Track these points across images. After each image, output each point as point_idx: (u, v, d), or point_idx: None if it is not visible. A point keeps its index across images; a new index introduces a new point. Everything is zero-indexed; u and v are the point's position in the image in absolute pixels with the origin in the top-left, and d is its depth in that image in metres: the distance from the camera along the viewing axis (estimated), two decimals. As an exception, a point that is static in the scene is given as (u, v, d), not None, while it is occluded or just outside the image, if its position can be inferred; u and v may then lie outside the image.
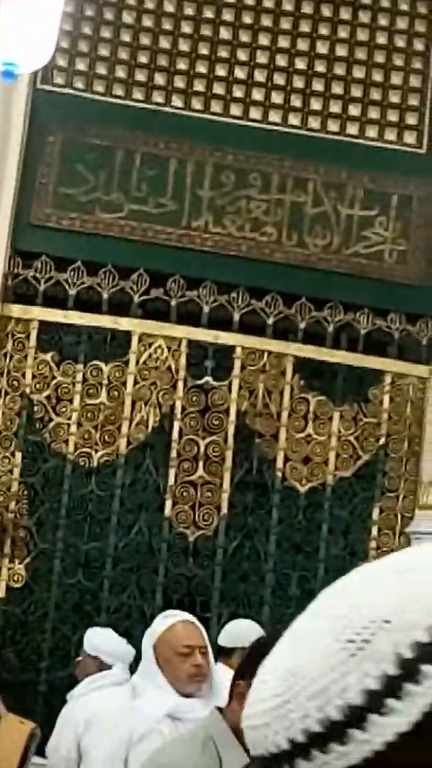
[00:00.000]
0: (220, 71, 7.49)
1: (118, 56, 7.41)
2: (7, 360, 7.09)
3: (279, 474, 7.18)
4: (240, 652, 5.03)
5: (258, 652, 2.73)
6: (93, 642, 5.57)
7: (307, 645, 0.81)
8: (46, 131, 7.17)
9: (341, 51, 7.60)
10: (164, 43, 7.46)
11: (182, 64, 7.47)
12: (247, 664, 2.74)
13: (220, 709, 2.78)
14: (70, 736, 5.09)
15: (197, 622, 4.24)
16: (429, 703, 0.74)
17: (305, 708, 0.77)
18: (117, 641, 5.67)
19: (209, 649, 4.18)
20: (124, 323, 7.17)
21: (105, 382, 7.12)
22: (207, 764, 2.61)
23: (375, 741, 0.75)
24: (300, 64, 7.56)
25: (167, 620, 4.18)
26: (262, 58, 7.53)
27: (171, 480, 7.09)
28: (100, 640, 5.59)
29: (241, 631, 5.63)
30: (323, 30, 7.59)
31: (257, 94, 7.51)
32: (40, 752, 5.23)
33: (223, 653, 5.48)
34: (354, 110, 7.58)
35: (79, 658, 5.67)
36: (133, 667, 5.35)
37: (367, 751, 0.75)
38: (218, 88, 7.48)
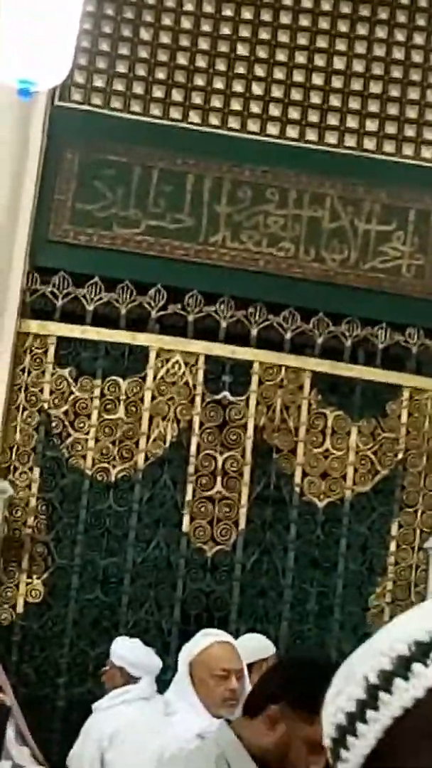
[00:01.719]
0: (237, 87, 7.51)
1: (135, 72, 7.44)
2: (25, 375, 7.10)
3: (297, 489, 7.17)
4: (257, 666, 5.00)
5: (310, 681, 2.67)
6: (119, 652, 5.56)
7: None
8: (63, 148, 7.20)
9: (358, 66, 7.61)
10: (181, 59, 7.48)
11: (199, 80, 7.49)
12: (290, 689, 2.65)
13: (228, 721, 2.74)
14: (93, 749, 5.07)
15: (234, 644, 4.17)
16: (381, 729, 0.80)
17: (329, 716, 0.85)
18: (144, 652, 5.65)
19: (245, 673, 4.13)
20: (141, 338, 7.18)
21: (123, 397, 7.13)
22: None
23: (352, 762, 0.82)
24: (317, 79, 7.57)
25: (206, 639, 4.10)
26: (278, 74, 7.54)
27: (189, 495, 7.09)
28: (126, 650, 5.57)
29: (259, 646, 5.61)
30: (340, 46, 7.60)
31: (274, 110, 7.52)
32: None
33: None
34: (371, 125, 7.59)
35: (106, 668, 5.67)
36: (159, 680, 5.37)
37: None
38: (235, 104, 7.50)
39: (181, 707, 3.99)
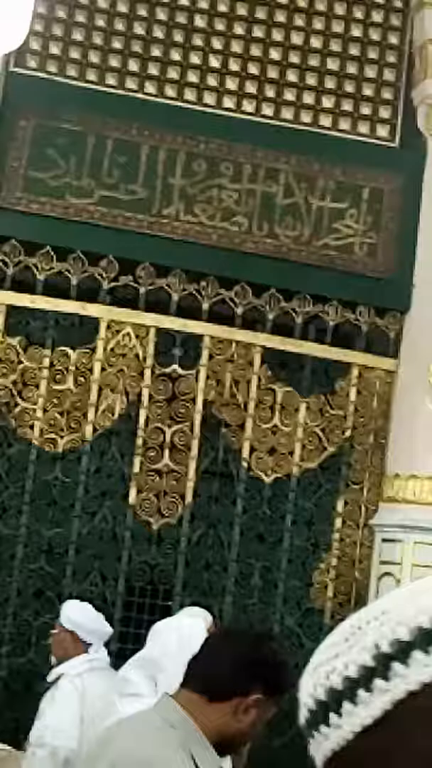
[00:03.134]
0: (194, 59, 7.47)
1: (92, 41, 7.37)
2: (-26, 344, 7.04)
3: (244, 464, 7.18)
4: None
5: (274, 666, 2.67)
6: (72, 616, 5.47)
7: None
8: (17, 115, 7.13)
9: (316, 42, 7.59)
10: (138, 29, 7.43)
11: (156, 51, 7.44)
12: (265, 682, 2.64)
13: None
14: (98, 710, 4.69)
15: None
16: (390, 700, 0.77)
17: (317, 676, 0.82)
18: (96, 616, 5.60)
19: None
20: (92, 309, 7.14)
21: (72, 368, 7.09)
22: (183, 760, 2.52)
23: (345, 729, 0.78)
24: (275, 54, 7.55)
25: (201, 622, 4.02)
26: (236, 47, 7.51)
27: (136, 468, 7.08)
28: (79, 614, 5.50)
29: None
30: (298, 21, 7.58)
31: (231, 84, 7.49)
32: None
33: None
34: (327, 102, 7.58)
35: (55, 631, 5.56)
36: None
37: (337, 738, 0.78)
38: (192, 76, 7.46)
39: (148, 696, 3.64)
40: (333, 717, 0.79)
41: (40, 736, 5.11)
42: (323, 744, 0.80)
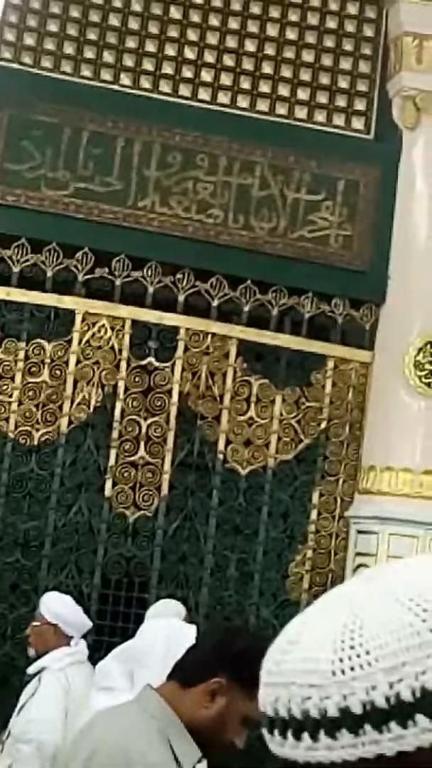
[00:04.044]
0: (170, 51, 7.46)
1: (66, 32, 7.34)
2: None
3: (220, 456, 7.19)
4: None
5: (239, 651, 2.62)
6: (55, 609, 5.44)
7: (371, 613, 0.78)
8: (-8, 106, 7.09)
9: (291, 34, 7.59)
10: (114, 20, 7.41)
11: (131, 43, 7.42)
12: (233, 664, 2.59)
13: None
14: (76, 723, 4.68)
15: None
16: None
17: (375, 680, 0.75)
18: (77, 610, 5.59)
19: None
20: (67, 302, 7.13)
21: (47, 360, 7.07)
22: (163, 754, 2.51)
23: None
24: (250, 46, 7.54)
25: (193, 629, 4.00)
26: (212, 39, 7.50)
27: (112, 460, 7.07)
28: (61, 607, 5.48)
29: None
30: (274, 13, 7.58)
31: (206, 75, 7.48)
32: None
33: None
34: (303, 94, 7.58)
35: (36, 624, 5.52)
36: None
37: (426, 741, 0.73)
38: (168, 68, 7.45)
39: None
40: (395, 728, 0.74)
41: (24, 731, 5.07)
42: (385, 743, 0.75)
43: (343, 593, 0.83)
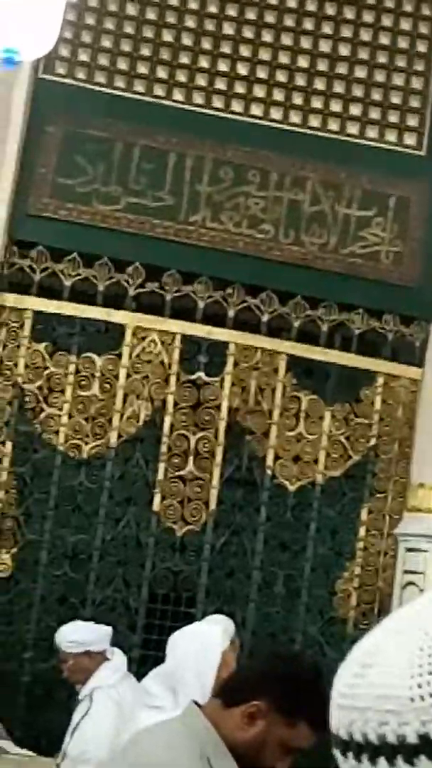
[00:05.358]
0: (222, 66, 7.48)
1: (120, 48, 7.39)
2: (0, 349, 7.06)
3: (268, 472, 7.18)
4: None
5: (295, 679, 2.59)
6: (78, 638, 5.43)
7: None
8: (46, 121, 7.15)
9: (344, 50, 7.58)
10: (167, 36, 7.44)
11: (185, 58, 7.45)
12: (276, 688, 2.55)
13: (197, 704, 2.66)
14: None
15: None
16: None
17: None
18: (89, 625, 5.59)
19: None
20: (118, 316, 7.15)
21: (97, 374, 7.10)
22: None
23: None
24: (302, 62, 7.54)
25: (218, 629, 3.98)
26: (264, 54, 7.51)
27: (160, 474, 7.08)
28: (81, 633, 5.48)
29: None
30: (326, 28, 7.58)
31: (259, 91, 7.49)
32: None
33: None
34: (355, 110, 7.57)
35: (69, 663, 5.46)
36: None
37: None
38: (220, 84, 7.47)
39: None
40: None
41: (83, 751, 5.05)
42: None
43: (416, 613, 0.82)
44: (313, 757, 2.62)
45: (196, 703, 2.64)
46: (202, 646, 3.76)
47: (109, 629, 5.55)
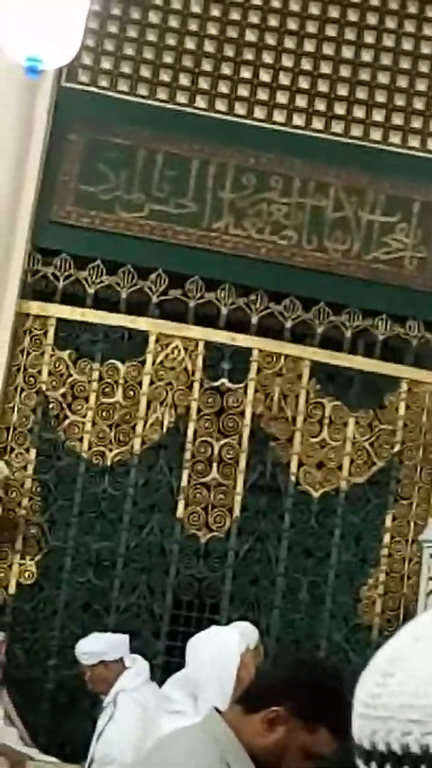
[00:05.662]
0: (245, 73, 7.48)
1: (143, 56, 7.40)
2: (24, 357, 7.09)
3: (292, 478, 7.16)
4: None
5: (312, 687, 2.60)
6: (93, 649, 5.44)
7: None
8: (69, 129, 7.17)
9: (366, 56, 7.58)
10: (190, 44, 7.45)
11: (207, 66, 7.46)
12: (297, 694, 2.56)
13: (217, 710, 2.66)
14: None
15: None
16: None
17: None
18: (102, 635, 5.60)
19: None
20: (141, 323, 7.16)
21: (121, 381, 7.11)
22: None
23: None
24: (325, 68, 7.54)
25: (235, 633, 3.98)
26: (287, 61, 7.51)
27: (184, 481, 7.08)
28: (96, 644, 5.49)
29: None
30: (349, 35, 7.57)
31: (281, 97, 7.49)
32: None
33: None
34: (378, 116, 7.56)
35: (88, 674, 5.46)
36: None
37: None
38: (242, 90, 7.47)
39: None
40: None
41: (106, 754, 5.07)
42: None
43: None
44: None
45: (217, 709, 2.64)
46: (220, 651, 3.77)
47: (125, 637, 5.55)
